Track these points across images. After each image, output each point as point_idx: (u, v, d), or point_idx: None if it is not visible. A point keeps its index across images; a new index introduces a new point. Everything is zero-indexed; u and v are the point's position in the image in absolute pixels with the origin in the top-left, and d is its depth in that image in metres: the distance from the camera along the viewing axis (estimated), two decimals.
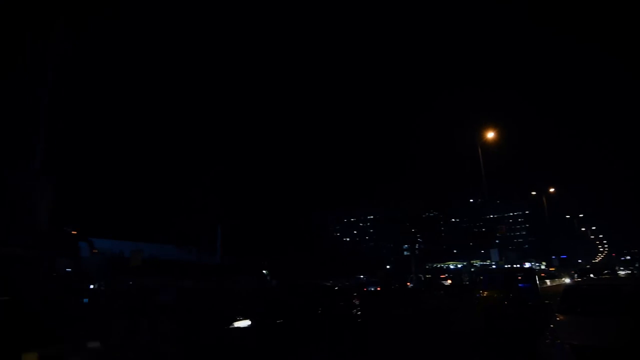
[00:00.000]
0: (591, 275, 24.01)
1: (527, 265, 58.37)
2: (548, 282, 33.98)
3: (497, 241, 68.49)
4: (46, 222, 8.60)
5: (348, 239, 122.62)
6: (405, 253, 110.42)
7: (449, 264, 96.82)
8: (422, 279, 40.34)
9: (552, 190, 47.68)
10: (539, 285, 13.85)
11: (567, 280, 31.33)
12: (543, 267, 70.33)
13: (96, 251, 23.38)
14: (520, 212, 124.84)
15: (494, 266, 39.22)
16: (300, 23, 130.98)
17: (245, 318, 9.64)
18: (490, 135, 27.24)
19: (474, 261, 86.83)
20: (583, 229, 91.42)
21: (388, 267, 74.42)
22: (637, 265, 69.97)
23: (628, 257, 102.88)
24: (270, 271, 31.16)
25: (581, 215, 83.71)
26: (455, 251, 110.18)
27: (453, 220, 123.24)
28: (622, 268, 57.61)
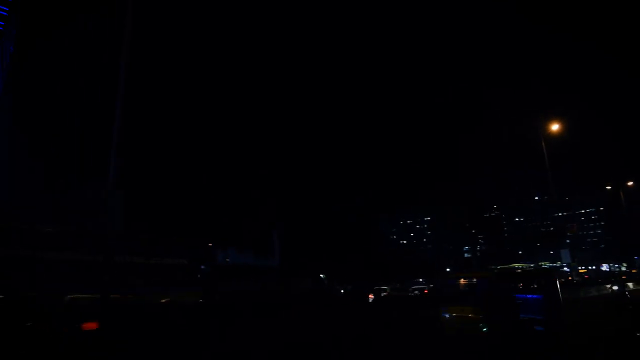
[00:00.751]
0: None
1: (603, 267, 53.60)
2: (630, 284, 30.85)
3: (567, 241, 63.75)
4: (121, 230, 9.36)
5: (405, 242, 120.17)
6: (466, 255, 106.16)
7: (514, 266, 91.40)
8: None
9: (630, 183, 43.49)
10: (561, 299, 8.22)
11: None
12: (624, 268, 64.50)
13: (228, 260, 26.67)
14: (594, 209, 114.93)
15: (565, 269, 36.47)
16: (355, 22, 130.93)
17: None
18: (555, 127, 25.48)
19: (542, 263, 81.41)
20: None
21: (448, 270, 71.95)
22: None
23: None
24: (329, 274, 31.44)
25: None
26: (520, 252, 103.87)
27: (517, 219, 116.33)
28: None
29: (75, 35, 40.07)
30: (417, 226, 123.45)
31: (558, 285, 8.53)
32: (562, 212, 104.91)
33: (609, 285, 22.82)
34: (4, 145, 38.49)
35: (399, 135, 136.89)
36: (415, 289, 26.22)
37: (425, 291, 25.73)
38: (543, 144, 26.03)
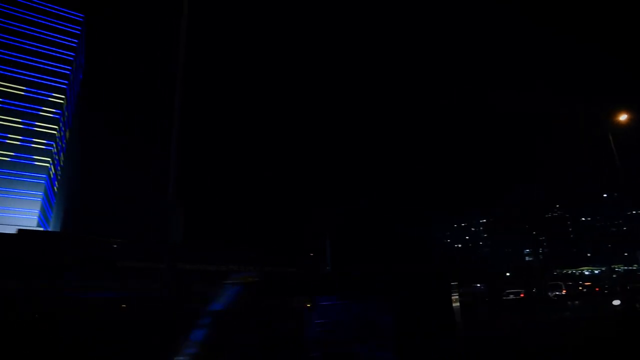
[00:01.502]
0: None
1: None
2: None
3: None
4: (180, 240, 9.89)
5: (460, 245, 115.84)
6: (528, 258, 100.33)
7: (583, 270, 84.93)
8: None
9: None
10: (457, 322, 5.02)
11: None
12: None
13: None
14: None
15: None
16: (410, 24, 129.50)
17: None
18: (623, 118, 23.48)
19: (617, 266, 74.96)
20: None
21: (508, 274, 68.27)
22: None
23: None
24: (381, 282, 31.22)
25: None
26: (589, 255, 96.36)
27: (583, 219, 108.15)
28: None
29: (135, 57, 42.96)
30: (473, 229, 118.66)
31: (452, 299, 5.00)
32: (636, 210, 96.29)
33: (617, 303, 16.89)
34: (77, 164, 41.93)
35: (452, 136, 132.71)
36: (510, 293, 26.37)
37: (522, 295, 25.68)
38: (610, 137, 24.12)
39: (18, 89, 45.95)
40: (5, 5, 47.69)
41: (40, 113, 46.40)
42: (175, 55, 10.56)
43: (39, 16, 49.01)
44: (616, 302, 16.57)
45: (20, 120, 45.15)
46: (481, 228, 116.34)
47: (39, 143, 45.55)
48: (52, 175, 48.14)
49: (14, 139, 44.17)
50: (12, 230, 40.00)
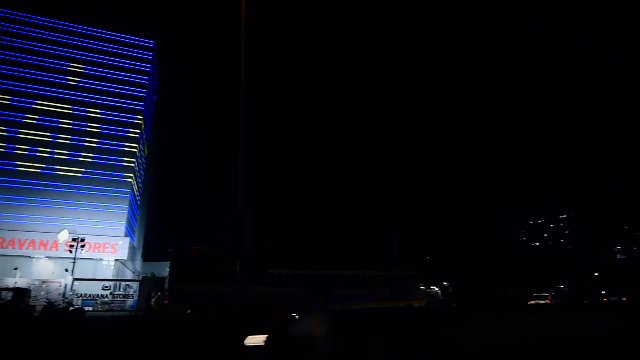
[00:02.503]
0: None
1: None
2: None
3: None
4: (252, 246, 10.33)
5: (537, 244, 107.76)
6: (619, 257, 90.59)
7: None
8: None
9: None
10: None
11: None
12: None
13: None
14: None
15: None
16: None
17: None
18: None
19: None
20: None
21: (596, 274, 62.16)
22: None
23: None
24: (456, 281, 30.06)
25: None
26: None
27: None
28: None
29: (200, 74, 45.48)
30: (552, 226, 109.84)
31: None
32: None
33: None
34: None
35: (529, 128, 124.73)
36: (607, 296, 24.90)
37: (624, 299, 23.89)
38: None
39: (102, 113, 50.88)
40: (87, 40, 52.99)
41: (122, 134, 50.90)
42: (238, 66, 11.12)
43: (115, 47, 54.02)
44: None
45: (106, 141, 49.88)
46: (562, 224, 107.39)
47: (122, 161, 50.00)
48: (135, 190, 52.50)
49: (101, 159, 48.87)
50: (109, 240, 44.49)
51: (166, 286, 15.49)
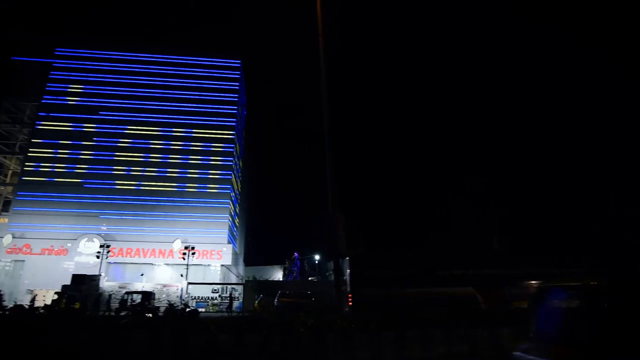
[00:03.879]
0: None
1: None
2: None
3: None
4: (345, 248, 10.58)
5: None
6: None
7: None
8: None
9: None
10: None
11: None
12: None
13: None
14: None
15: None
16: None
17: None
18: None
19: None
20: None
21: None
22: None
23: None
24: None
25: None
26: None
27: None
28: None
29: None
30: None
31: None
32: None
33: None
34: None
35: None
36: None
37: None
38: None
39: (201, 133, 55.90)
40: (180, 69, 58.76)
41: (218, 150, 55.40)
42: (319, 76, 11.53)
43: (205, 71, 59.18)
44: None
45: (206, 157, 54.70)
46: None
47: (220, 174, 54.39)
48: (232, 200, 56.62)
49: (203, 174, 53.69)
50: (214, 247, 48.86)
51: (348, 289, 17.35)
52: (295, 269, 58.43)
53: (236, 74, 60.02)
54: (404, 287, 16.78)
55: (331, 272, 55.56)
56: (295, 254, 59.30)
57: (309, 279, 58.50)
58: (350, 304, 17.02)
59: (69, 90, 56.45)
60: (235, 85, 59.29)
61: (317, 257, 65.69)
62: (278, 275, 64.11)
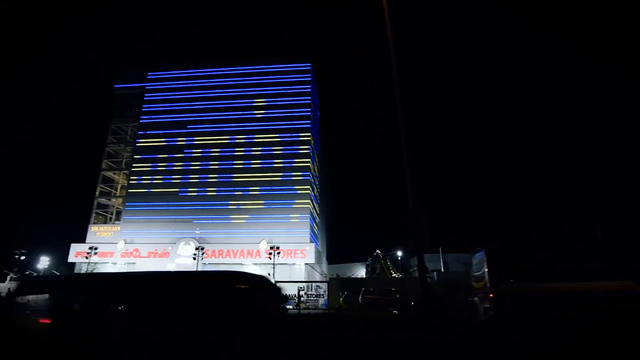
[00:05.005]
0: None
1: None
2: None
3: None
4: (428, 244, 10.27)
5: None
6: None
7: None
8: None
9: None
10: None
11: None
12: None
13: None
14: None
15: None
16: None
17: None
18: None
19: None
20: None
21: None
22: None
23: None
24: None
25: None
26: None
27: None
28: None
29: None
30: None
31: None
32: None
33: None
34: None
35: None
36: None
37: None
38: None
39: (278, 137, 58.13)
40: (254, 79, 61.55)
41: (295, 152, 57.12)
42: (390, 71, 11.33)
43: (278, 77, 61.40)
44: None
45: (285, 160, 56.81)
46: None
47: (299, 176, 56.04)
48: (312, 199, 57.98)
49: (283, 176, 55.79)
50: (297, 246, 50.59)
51: (488, 285, 16.37)
52: (378, 265, 58.06)
53: (307, 77, 61.37)
54: (553, 281, 14.97)
55: (415, 268, 54.19)
56: (378, 251, 58.91)
57: (392, 275, 57.72)
58: (491, 296, 15.74)
59: (160, 109, 62.49)
60: (307, 88, 60.67)
61: (399, 253, 64.58)
62: (361, 272, 64.26)
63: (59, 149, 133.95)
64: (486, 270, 16.38)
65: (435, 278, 39.92)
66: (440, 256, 54.51)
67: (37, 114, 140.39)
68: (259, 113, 59.68)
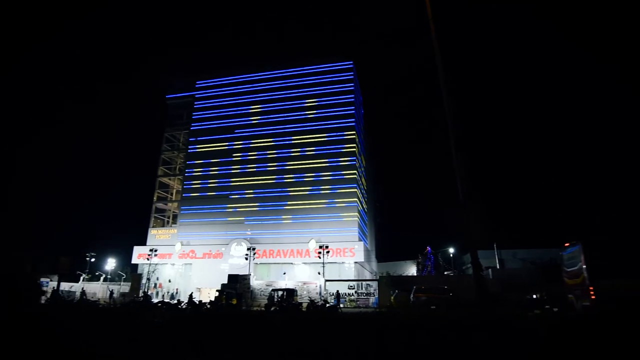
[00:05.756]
0: None
1: None
2: None
3: None
4: (481, 239, 9.88)
5: None
6: None
7: None
8: None
9: None
10: None
11: None
12: None
13: None
14: None
15: None
16: None
17: None
18: None
19: None
20: None
21: None
22: None
23: None
24: None
25: None
26: None
27: None
28: None
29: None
30: None
31: None
32: None
33: None
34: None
35: None
36: None
37: None
38: None
39: (324, 136, 58.40)
40: (297, 80, 62.26)
41: (341, 151, 57.14)
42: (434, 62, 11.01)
43: (321, 77, 61.65)
44: None
45: (331, 159, 57.00)
46: None
47: (345, 174, 55.98)
48: (360, 197, 57.73)
49: (329, 175, 56.01)
50: (346, 245, 50.63)
51: (587, 281, 15.83)
52: (429, 263, 56.62)
53: (349, 75, 61.17)
54: None
55: (469, 266, 52.28)
56: (428, 248, 57.47)
57: (444, 273, 56.11)
58: (593, 297, 14.94)
59: (209, 115, 65.08)
60: (350, 87, 60.48)
61: (451, 250, 62.61)
62: (411, 270, 63.04)
63: (119, 159, 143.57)
64: (584, 265, 15.60)
65: (490, 275, 38.30)
66: (495, 252, 52.19)
67: (110, 130, 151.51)
68: (304, 114, 60.36)
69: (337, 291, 38.42)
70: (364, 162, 68.08)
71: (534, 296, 26.67)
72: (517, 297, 27.13)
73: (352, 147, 57.23)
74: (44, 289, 45.63)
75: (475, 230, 8.76)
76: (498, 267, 49.94)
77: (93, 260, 57.91)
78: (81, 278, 55.40)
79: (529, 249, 53.62)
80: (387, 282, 39.86)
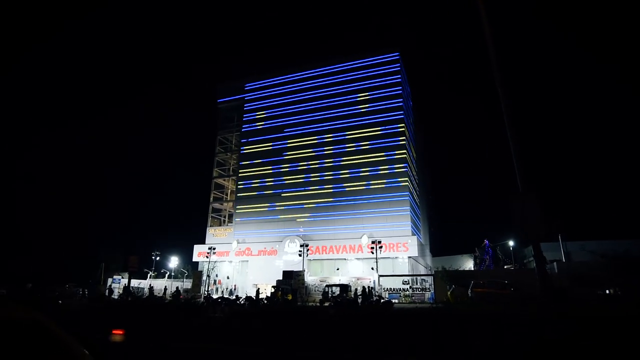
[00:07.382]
0: None
1: None
2: None
3: None
4: (543, 231, 9.37)
5: None
6: None
7: None
8: None
9: None
10: None
11: None
12: None
13: None
14: None
15: None
16: None
17: None
18: None
19: None
20: None
21: None
22: None
23: None
24: None
25: None
26: None
27: None
28: None
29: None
30: None
31: None
32: None
33: None
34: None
35: None
36: None
37: None
38: None
39: (373, 131, 57.96)
40: (343, 76, 62.08)
41: (391, 144, 56.36)
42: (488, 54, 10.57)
43: (368, 71, 61.12)
44: None
45: (381, 153, 56.49)
46: None
47: (396, 168, 55.18)
48: (412, 190, 56.66)
49: (380, 170, 55.53)
50: (399, 240, 49.98)
51: None
52: (487, 257, 54.28)
53: (396, 67, 60.03)
54: None
55: (531, 259, 49.54)
56: (486, 241, 55.09)
57: (504, 267, 53.55)
58: None
59: (258, 117, 66.86)
60: (397, 79, 59.37)
61: (511, 243, 59.63)
62: (468, 264, 60.84)
63: (178, 163, 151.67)
64: None
65: (556, 270, 36.03)
66: (561, 245, 48.93)
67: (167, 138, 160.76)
68: (352, 109, 60.20)
69: (365, 287, 38.21)
70: (414, 154, 66.64)
71: (607, 291, 24.83)
72: (587, 292, 25.36)
73: (402, 140, 56.23)
74: (116, 285, 49.51)
75: (534, 222, 8.33)
76: (564, 260, 46.85)
77: (158, 258, 61.87)
78: (148, 275, 59.42)
79: (600, 240, 49.66)
80: (443, 277, 38.79)
